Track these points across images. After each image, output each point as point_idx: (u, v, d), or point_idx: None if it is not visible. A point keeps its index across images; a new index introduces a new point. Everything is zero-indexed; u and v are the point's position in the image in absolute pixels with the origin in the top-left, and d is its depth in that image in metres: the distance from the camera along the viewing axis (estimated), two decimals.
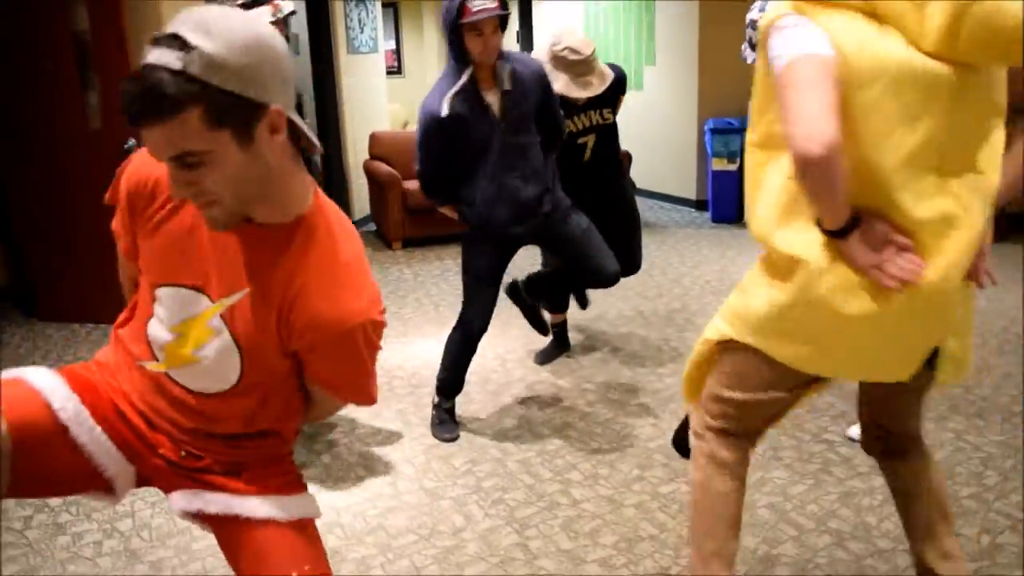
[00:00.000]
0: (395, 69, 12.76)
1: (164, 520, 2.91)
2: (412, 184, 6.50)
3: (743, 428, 1.96)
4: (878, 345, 1.75)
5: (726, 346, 1.92)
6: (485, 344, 4.28)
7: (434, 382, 3.55)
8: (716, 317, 1.96)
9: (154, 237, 1.49)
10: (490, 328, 3.63)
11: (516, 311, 4.50)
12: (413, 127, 10.60)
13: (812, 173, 1.57)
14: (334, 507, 2.95)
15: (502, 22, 2.97)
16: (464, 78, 3.00)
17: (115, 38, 4.58)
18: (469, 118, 3.02)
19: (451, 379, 3.47)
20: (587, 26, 8.89)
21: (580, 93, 3.57)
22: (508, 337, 4.61)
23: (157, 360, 1.52)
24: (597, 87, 3.58)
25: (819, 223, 1.69)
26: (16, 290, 5.48)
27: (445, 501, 2.98)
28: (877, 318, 1.68)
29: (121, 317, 1.62)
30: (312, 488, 3.02)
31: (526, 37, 10.10)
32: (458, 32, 2.94)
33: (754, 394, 1.89)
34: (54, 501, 3.05)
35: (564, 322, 4.28)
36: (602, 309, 5.07)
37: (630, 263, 4.01)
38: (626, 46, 8.30)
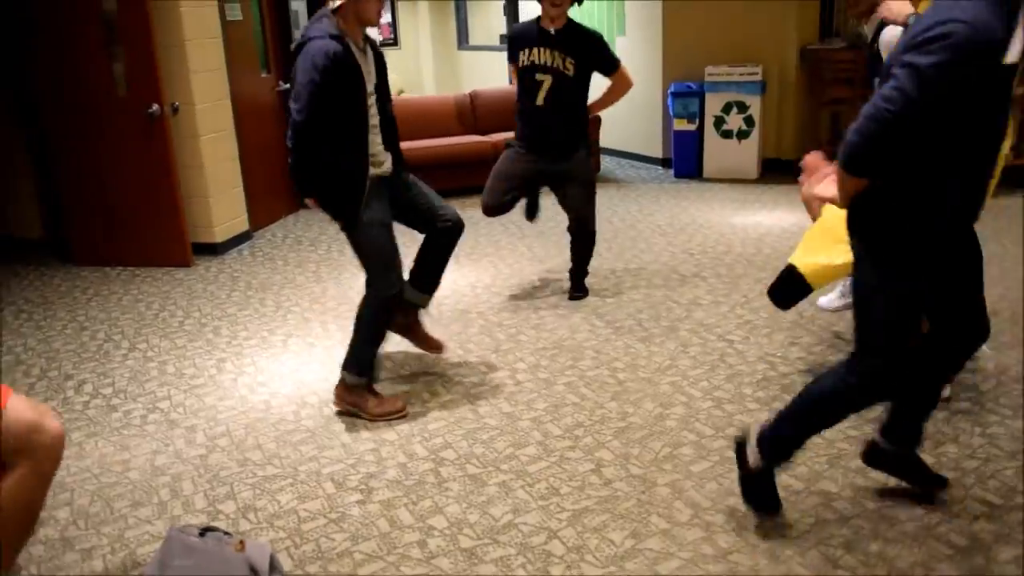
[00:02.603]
0: (391, 41, 13.44)
1: (195, 400, 3.70)
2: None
3: None
4: None
5: None
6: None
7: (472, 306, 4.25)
8: None
9: None
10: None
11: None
12: (408, 94, 11.31)
13: None
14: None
15: None
16: None
17: (140, 16, 5.32)
18: None
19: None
20: None
21: (548, 25, 4.34)
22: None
23: None
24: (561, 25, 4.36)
25: None
26: (53, 241, 6.26)
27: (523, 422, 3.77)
28: None
29: None
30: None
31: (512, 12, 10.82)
32: None
33: None
34: (106, 391, 3.84)
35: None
36: (560, 247, 5.84)
37: (584, 231, 4.66)
38: (599, 18, 9.01)
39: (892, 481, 2.83)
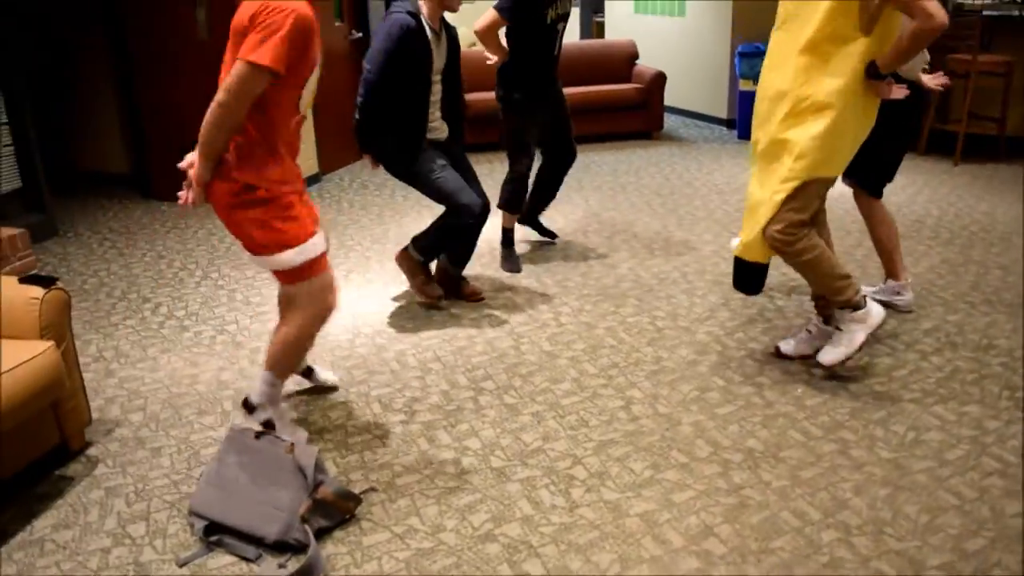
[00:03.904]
0: None
1: (260, 325, 3.97)
2: (468, 96, 7.42)
3: (810, 219, 3.12)
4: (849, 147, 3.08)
5: (798, 190, 3.03)
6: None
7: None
8: (778, 183, 3.06)
9: (311, 47, 2.49)
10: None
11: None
12: (479, 47, 11.42)
13: (934, 35, 2.75)
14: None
15: None
16: None
17: None
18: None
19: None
20: None
21: None
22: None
23: (299, 113, 2.65)
24: None
25: (876, 72, 2.91)
26: (138, 177, 6.62)
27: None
28: (860, 131, 3.05)
29: (261, 151, 2.60)
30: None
31: None
32: None
33: (813, 201, 3.10)
34: (179, 313, 4.14)
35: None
36: (616, 201, 5.96)
37: (571, 151, 4.74)
38: None
39: (909, 435, 2.94)
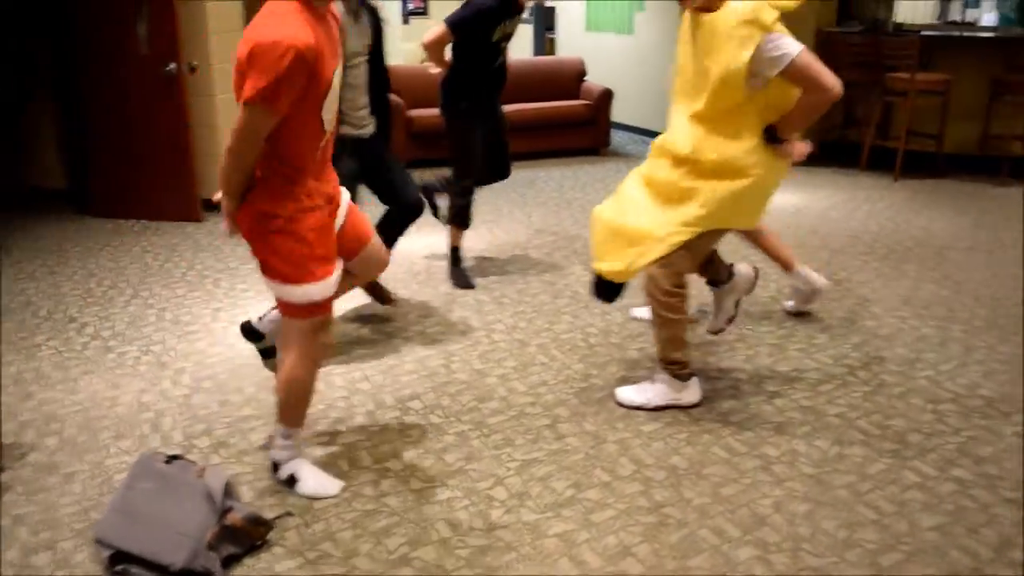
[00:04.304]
0: (421, 10, 13.54)
1: (187, 345, 3.89)
2: (416, 112, 7.40)
3: (686, 277, 3.10)
4: (765, 202, 3.10)
5: (689, 242, 2.99)
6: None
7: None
8: (677, 224, 2.98)
9: (319, 73, 2.39)
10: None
11: None
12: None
13: (829, 105, 2.81)
14: None
15: None
16: None
17: None
18: None
19: None
20: None
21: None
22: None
23: (326, 133, 2.56)
24: None
25: (774, 137, 2.92)
26: (74, 193, 6.50)
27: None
28: (775, 186, 3.04)
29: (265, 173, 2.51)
30: None
31: None
32: None
33: (704, 251, 3.13)
34: (105, 334, 4.05)
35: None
36: (560, 217, 5.96)
37: (505, 171, 4.77)
38: None
39: (832, 450, 2.96)
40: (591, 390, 3.41)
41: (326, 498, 2.70)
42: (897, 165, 7.08)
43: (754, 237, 4.03)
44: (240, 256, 5.16)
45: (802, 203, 6.33)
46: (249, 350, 3.80)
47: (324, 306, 2.64)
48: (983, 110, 7.09)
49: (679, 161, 3.02)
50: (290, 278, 2.56)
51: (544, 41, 12.76)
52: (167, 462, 2.54)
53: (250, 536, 2.45)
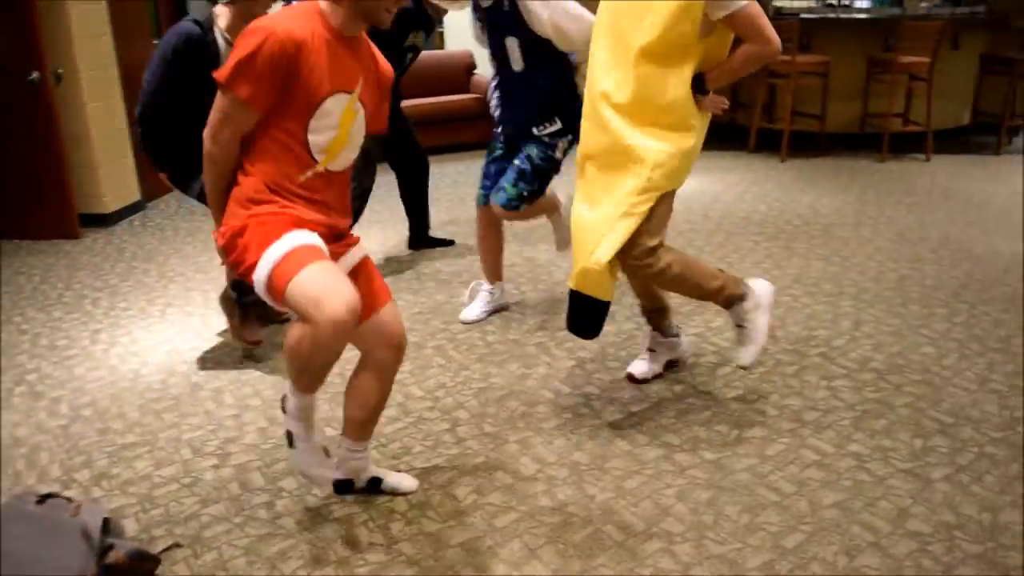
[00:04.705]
0: None
1: (64, 372, 3.67)
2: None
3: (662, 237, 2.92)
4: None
5: (652, 211, 2.82)
6: None
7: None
8: (632, 194, 2.80)
9: (302, 76, 2.15)
10: None
11: None
12: None
13: (768, 60, 2.80)
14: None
15: None
16: None
17: None
18: None
19: None
20: None
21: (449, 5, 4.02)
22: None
23: (316, 163, 2.26)
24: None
25: (701, 87, 2.81)
26: None
27: None
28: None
29: (251, 189, 2.22)
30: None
31: None
32: None
33: (667, 218, 2.93)
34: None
35: None
36: (454, 214, 5.88)
37: (422, 161, 4.96)
38: None
39: (732, 434, 2.97)
40: (491, 390, 3.35)
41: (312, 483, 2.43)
42: (783, 146, 7.25)
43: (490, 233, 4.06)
44: (120, 273, 4.91)
45: (695, 187, 6.41)
46: (132, 372, 3.62)
47: (294, 255, 2.13)
48: (862, 90, 7.32)
49: (617, 107, 2.83)
50: (249, 263, 2.19)
51: (434, 34, 12.64)
52: (39, 502, 2.37)
53: (135, 574, 2.31)
